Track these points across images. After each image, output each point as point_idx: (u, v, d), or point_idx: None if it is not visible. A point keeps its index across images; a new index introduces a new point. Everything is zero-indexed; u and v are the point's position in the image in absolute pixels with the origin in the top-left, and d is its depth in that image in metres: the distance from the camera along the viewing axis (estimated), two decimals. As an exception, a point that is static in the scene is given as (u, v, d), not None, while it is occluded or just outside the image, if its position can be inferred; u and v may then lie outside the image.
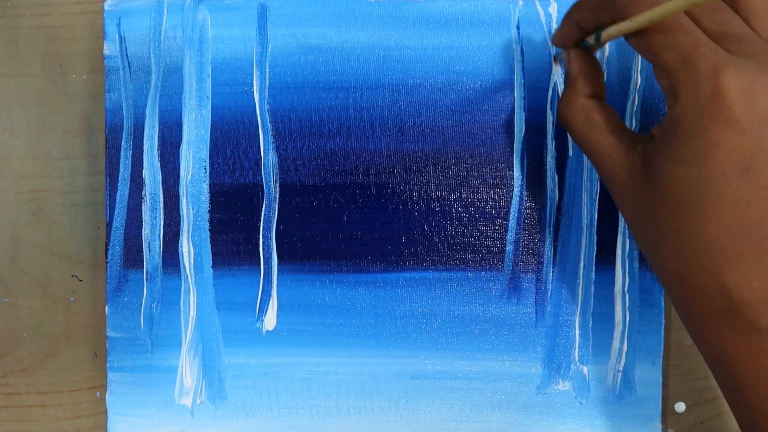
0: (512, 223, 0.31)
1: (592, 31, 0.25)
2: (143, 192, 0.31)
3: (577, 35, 0.26)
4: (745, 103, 0.20)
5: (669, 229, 0.22)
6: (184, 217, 0.31)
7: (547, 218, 0.31)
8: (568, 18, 0.26)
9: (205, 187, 0.32)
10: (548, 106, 0.31)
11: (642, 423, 0.31)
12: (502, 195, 0.31)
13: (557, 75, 0.31)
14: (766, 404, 0.21)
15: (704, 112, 0.20)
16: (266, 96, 0.31)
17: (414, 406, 0.31)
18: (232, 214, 0.31)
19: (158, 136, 0.31)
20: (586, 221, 0.31)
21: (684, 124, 0.21)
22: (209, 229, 0.32)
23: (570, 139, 0.31)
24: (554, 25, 0.31)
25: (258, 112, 0.31)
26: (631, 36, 0.23)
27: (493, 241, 0.31)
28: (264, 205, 0.31)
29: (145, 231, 0.32)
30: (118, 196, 0.31)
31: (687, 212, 0.21)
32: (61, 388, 0.33)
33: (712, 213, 0.20)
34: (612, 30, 0.24)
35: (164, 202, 0.32)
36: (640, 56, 0.31)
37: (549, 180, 0.31)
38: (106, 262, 0.31)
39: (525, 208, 0.31)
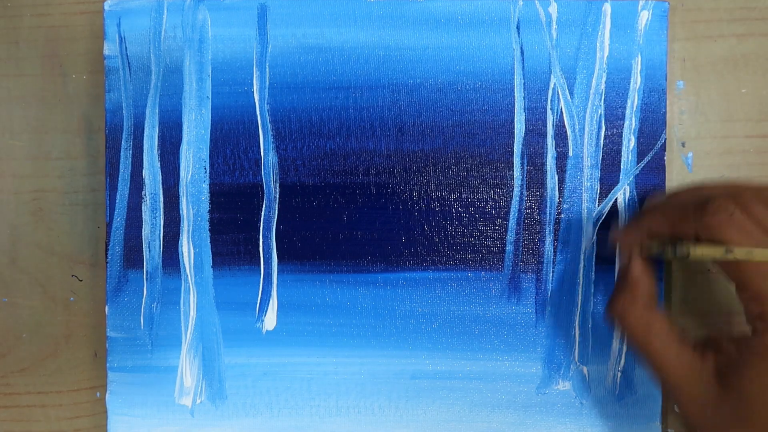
0: (512, 223, 0.31)
1: (665, 240, 0.25)
2: (143, 192, 0.31)
3: (643, 239, 0.26)
4: None
5: (745, 427, 0.23)
6: (184, 217, 0.31)
7: (547, 218, 0.31)
8: (639, 224, 0.26)
9: (205, 187, 0.32)
10: (548, 106, 0.31)
11: (642, 423, 0.31)
12: (502, 195, 0.31)
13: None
14: None
15: None
16: (266, 96, 0.31)
17: (414, 406, 0.31)
18: (232, 214, 0.31)
19: (158, 136, 0.31)
20: (585, 221, 0.31)
21: None
22: (209, 229, 0.32)
23: (570, 138, 0.31)
24: (554, 26, 0.31)
25: (258, 112, 0.31)
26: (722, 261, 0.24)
27: (493, 241, 0.31)
28: (264, 205, 0.31)
29: (145, 231, 0.32)
30: (118, 196, 0.31)
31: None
32: (61, 388, 0.33)
33: None
34: (704, 252, 0.24)
35: (164, 202, 0.32)
36: (640, 56, 0.31)
37: (549, 180, 0.31)
38: (106, 262, 0.31)
39: (525, 208, 0.31)
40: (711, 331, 0.26)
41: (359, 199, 0.31)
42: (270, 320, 0.31)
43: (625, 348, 0.31)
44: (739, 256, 0.23)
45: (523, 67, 0.31)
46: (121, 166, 0.31)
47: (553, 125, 0.31)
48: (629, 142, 0.31)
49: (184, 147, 0.31)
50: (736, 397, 0.23)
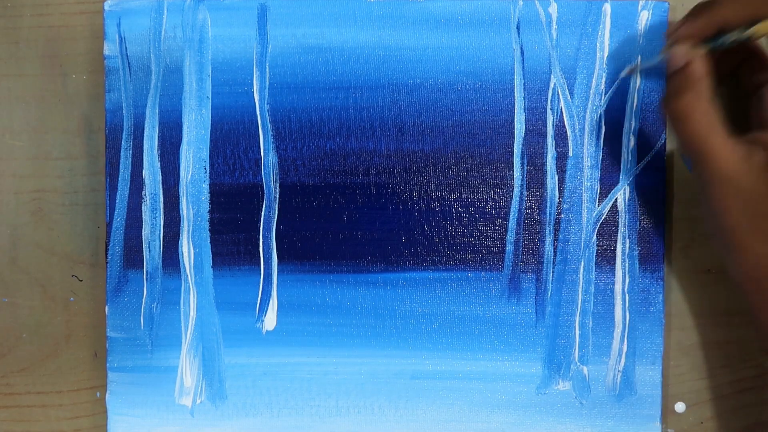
0: (512, 223, 0.31)
1: (728, 29, 0.25)
2: (143, 192, 0.31)
3: (712, 32, 0.26)
4: None
5: None
6: (184, 217, 0.31)
7: (547, 218, 0.31)
8: (711, 15, 0.26)
9: (205, 187, 0.32)
10: (548, 106, 0.31)
11: (642, 423, 0.31)
12: (502, 195, 0.31)
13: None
14: None
15: None
16: (266, 96, 0.31)
17: (414, 406, 0.31)
18: (232, 214, 0.31)
19: (158, 136, 0.31)
20: (585, 221, 0.31)
21: None
22: (209, 229, 0.32)
23: (570, 138, 0.31)
24: (554, 26, 0.31)
25: (258, 112, 0.31)
26: None
27: (493, 241, 0.31)
28: (264, 205, 0.31)
29: (145, 231, 0.32)
30: (118, 196, 0.31)
31: None
32: (61, 388, 0.33)
33: None
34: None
35: (164, 202, 0.32)
36: (640, 57, 0.31)
37: (549, 180, 0.31)
38: (106, 262, 0.31)
39: (525, 208, 0.31)
40: (753, 134, 0.27)
41: (359, 199, 0.31)
42: (270, 320, 0.31)
43: (625, 348, 0.31)
44: None
45: (523, 67, 0.31)
46: (121, 166, 0.31)
47: (553, 125, 0.31)
48: (629, 142, 0.31)
49: (184, 147, 0.31)
50: None
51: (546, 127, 0.31)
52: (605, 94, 0.31)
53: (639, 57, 0.30)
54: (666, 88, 0.28)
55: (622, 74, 0.30)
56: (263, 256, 0.31)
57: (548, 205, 0.31)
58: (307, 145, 0.31)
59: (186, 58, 0.31)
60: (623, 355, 0.31)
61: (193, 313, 0.32)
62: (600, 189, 0.31)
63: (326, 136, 0.31)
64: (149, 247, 0.32)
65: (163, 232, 0.32)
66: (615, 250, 0.31)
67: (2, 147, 0.33)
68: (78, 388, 0.33)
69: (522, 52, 0.31)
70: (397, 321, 0.31)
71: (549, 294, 0.31)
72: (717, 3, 0.26)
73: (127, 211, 0.31)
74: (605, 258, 0.31)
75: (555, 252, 0.31)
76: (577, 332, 0.31)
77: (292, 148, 0.31)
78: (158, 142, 0.31)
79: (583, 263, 0.31)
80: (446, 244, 0.31)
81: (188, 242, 0.31)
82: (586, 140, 0.31)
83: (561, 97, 0.31)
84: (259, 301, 0.31)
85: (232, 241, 0.31)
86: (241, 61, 0.31)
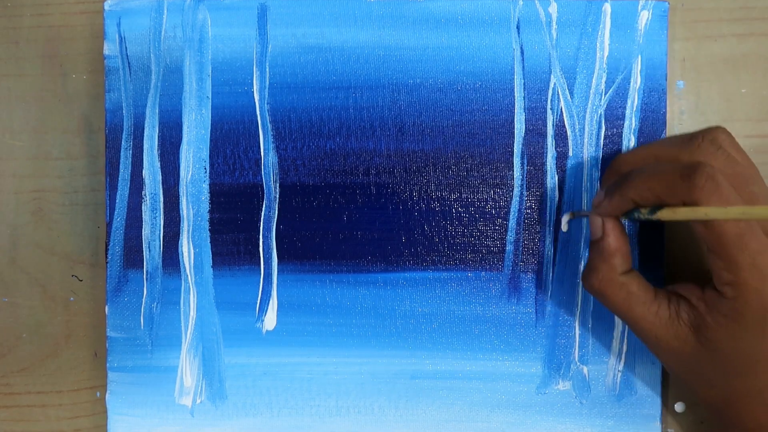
0: (512, 223, 0.31)
1: (648, 205, 0.25)
2: (143, 192, 0.31)
3: (627, 209, 0.26)
4: None
5: (723, 377, 0.26)
6: (184, 217, 0.31)
7: (547, 218, 0.31)
8: (623, 194, 0.26)
9: (205, 187, 0.32)
10: (548, 106, 0.31)
11: (642, 423, 0.31)
12: (502, 195, 0.31)
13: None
14: None
15: (766, 304, 0.24)
16: (266, 96, 0.31)
17: (414, 406, 0.31)
18: (232, 214, 0.31)
19: (158, 136, 0.31)
20: (585, 221, 0.31)
21: (746, 313, 0.24)
22: (209, 229, 0.32)
23: (570, 138, 0.31)
24: (554, 26, 0.31)
25: (258, 112, 0.31)
26: (698, 224, 0.24)
27: (493, 241, 0.31)
28: (264, 205, 0.31)
29: (145, 231, 0.32)
30: (118, 196, 0.31)
31: (744, 368, 0.25)
32: (61, 388, 0.33)
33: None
34: (682, 213, 0.24)
35: (164, 202, 0.32)
36: (640, 57, 0.31)
37: (549, 180, 0.31)
38: (106, 262, 0.31)
39: (525, 208, 0.31)
40: (678, 287, 0.27)
41: (359, 199, 0.31)
42: (270, 320, 0.31)
43: (625, 348, 0.31)
44: (717, 216, 0.23)
45: (523, 67, 0.31)
46: (121, 166, 0.31)
47: (553, 125, 0.31)
48: (629, 142, 0.31)
49: (184, 147, 0.31)
50: (713, 349, 0.25)
51: (546, 127, 0.31)
52: (605, 94, 0.31)
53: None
54: (588, 259, 0.28)
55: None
56: (263, 256, 0.31)
57: (548, 205, 0.31)
58: (307, 145, 0.31)
59: (186, 58, 0.31)
60: (623, 355, 0.31)
61: (193, 313, 0.32)
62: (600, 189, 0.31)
63: (326, 136, 0.31)
64: (149, 247, 0.32)
65: (163, 232, 0.32)
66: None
67: (2, 147, 0.33)
68: (78, 388, 0.33)
69: (522, 52, 0.31)
70: (397, 321, 0.31)
71: (549, 294, 0.31)
72: (627, 183, 0.26)
73: (127, 211, 0.31)
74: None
75: (555, 252, 0.31)
76: (577, 332, 0.31)
77: (292, 148, 0.31)
78: (158, 142, 0.31)
79: (583, 263, 0.31)
80: (446, 244, 0.31)
81: (188, 242, 0.31)
82: (586, 140, 0.31)
83: (561, 97, 0.31)
84: (259, 301, 0.32)
85: (232, 241, 0.31)
86: (241, 61, 0.31)
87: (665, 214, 0.25)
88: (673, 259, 0.32)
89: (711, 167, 0.24)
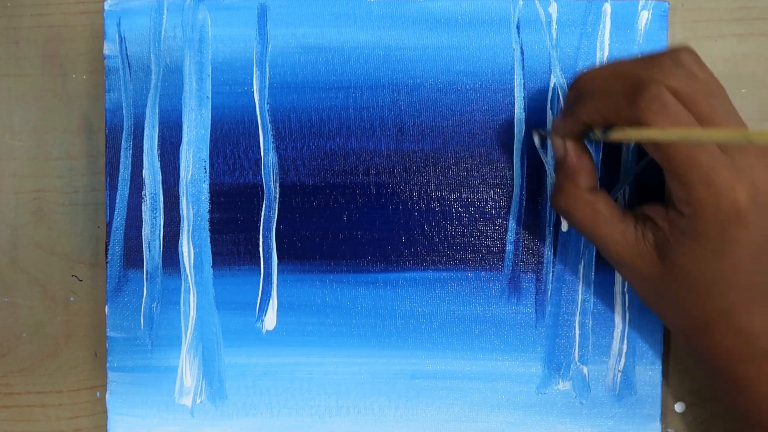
0: (512, 223, 0.31)
1: (599, 126, 0.25)
2: (143, 192, 0.31)
3: (581, 129, 0.26)
4: (752, 203, 0.23)
5: (688, 300, 0.25)
6: (184, 217, 0.32)
7: (547, 218, 0.31)
8: (574, 115, 0.26)
9: (205, 187, 0.32)
10: (548, 106, 0.31)
11: (642, 423, 0.31)
12: (502, 195, 0.31)
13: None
14: None
15: (723, 221, 0.23)
16: (266, 96, 0.31)
17: (414, 406, 0.31)
18: (232, 214, 0.32)
19: (158, 136, 0.31)
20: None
21: (704, 232, 0.24)
22: (209, 229, 0.32)
23: (570, 139, 0.31)
24: (554, 26, 0.31)
25: (258, 112, 0.31)
26: (649, 144, 0.24)
27: (493, 241, 0.31)
28: (264, 205, 0.31)
29: (145, 231, 0.32)
30: (118, 196, 0.31)
31: (706, 290, 0.25)
32: (61, 388, 0.33)
33: (730, 286, 0.24)
34: (629, 134, 0.24)
35: (164, 202, 0.32)
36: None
37: (549, 180, 0.31)
38: (106, 262, 0.31)
39: (525, 208, 0.31)
40: (645, 208, 0.26)
41: (359, 199, 0.31)
42: (270, 320, 0.31)
43: (625, 348, 0.31)
44: (667, 137, 0.23)
45: (523, 67, 0.31)
46: (121, 166, 0.31)
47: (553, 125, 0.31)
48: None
49: (184, 147, 0.31)
50: (676, 270, 0.25)
51: (546, 127, 0.31)
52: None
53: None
54: (554, 180, 0.28)
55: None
56: (263, 256, 0.31)
57: (548, 205, 0.31)
58: (307, 145, 0.31)
59: (186, 58, 0.31)
60: (623, 355, 0.31)
61: (193, 313, 0.32)
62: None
63: (326, 136, 0.31)
64: (149, 247, 0.32)
65: (163, 232, 0.32)
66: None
67: (2, 147, 0.33)
68: (78, 388, 0.33)
69: (522, 52, 0.31)
70: (397, 321, 0.31)
71: (549, 294, 0.31)
72: (578, 104, 0.26)
73: (127, 211, 0.31)
74: (605, 258, 0.31)
75: (555, 252, 0.31)
76: (577, 332, 0.31)
77: (292, 148, 0.31)
78: (158, 142, 0.31)
79: (583, 263, 0.31)
80: (446, 244, 0.31)
81: (188, 242, 0.31)
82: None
83: (561, 97, 0.31)
84: (259, 301, 0.32)
85: (232, 241, 0.31)
86: (241, 61, 0.31)
87: (615, 135, 0.24)
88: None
89: (658, 87, 0.23)
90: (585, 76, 0.26)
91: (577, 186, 0.27)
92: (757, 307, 0.25)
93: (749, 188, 0.23)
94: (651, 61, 0.25)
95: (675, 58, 0.24)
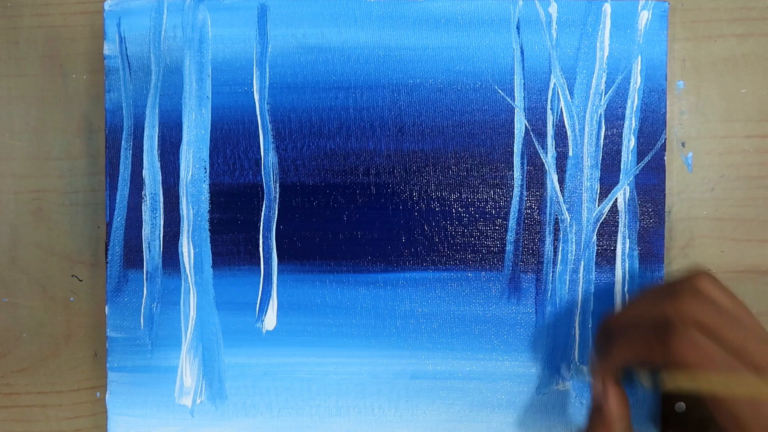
0: (512, 223, 0.31)
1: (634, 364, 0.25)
2: (143, 192, 0.31)
3: (618, 370, 0.26)
4: None
5: None
6: (184, 217, 0.31)
7: (547, 218, 0.31)
8: (610, 357, 0.26)
9: (205, 187, 0.32)
10: (548, 106, 0.31)
11: (642, 423, 0.31)
12: (502, 195, 0.31)
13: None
14: None
15: None
16: (266, 96, 0.31)
17: (414, 406, 0.31)
18: (232, 214, 0.31)
19: (158, 136, 0.31)
20: (585, 221, 0.31)
21: None
22: (209, 229, 0.32)
23: (570, 138, 0.31)
24: (554, 26, 0.31)
25: (258, 112, 0.31)
26: (705, 392, 0.23)
27: (493, 241, 0.31)
28: (264, 205, 0.31)
29: (145, 231, 0.32)
30: (118, 196, 0.31)
31: None
32: (61, 388, 0.33)
33: None
34: (684, 383, 0.23)
35: (164, 202, 0.32)
36: (640, 57, 0.31)
37: (549, 180, 0.31)
38: (106, 262, 0.31)
39: (525, 208, 0.31)
40: None
41: (359, 199, 0.31)
42: (270, 320, 0.31)
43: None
44: (715, 388, 0.23)
45: (523, 67, 0.31)
46: (121, 166, 0.31)
47: (553, 125, 0.31)
48: (629, 142, 0.31)
49: (184, 147, 0.31)
50: None
51: (546, 127, 0.31)
52: (605, 94, 0.31)
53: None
54: (587, 419, 0.27)
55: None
56: (263, 256, 0.31)
57: (548, 205, 0.31)
58: (307, 145, 0.31)
59: (186, 58, 0.31)
60: (623, 355, 0.31)
61: (193, 313, 0.32)
62: (600, 189, 0.31)
63: (326, 136, 0.31)
64: (149, 247, 0.32)
65: (163, 232, 0.32)
66: (615, 250, 0.31)
67: (2, 147, 0.33)
68: (78, 388, 0.33)
69: (522, 52, 0.31)
70: (397, 321, 0.31)
71: (549, 294, 0.31)
72: (611, 347, 0.26)
73: (127, 211, 0.31)
74: (605, 258, 0.31)
75: (555, 252, 0.31)
76: (577, 332, 0.31)
77: (292, 148, 0.31)
78: (158, 142, 0.31)
79: (583, 263, 0.31)
80: (446, 244, 0.31)
81: (188, 242, 0.31)
82: (586, 140, 0.31)
83: (561, 97, 0.31)
84: (259, 301, 0.31)
85: (232, 241, 0.31)
86: (241, 61, 0.31)
87: (669, 386, 0.24)
88: (673, 258, 0.32)
89: (685, 327, 0.23)
90: (612, 320, 0.27)
91: None
92: None
93: None
94: (673, 296, 0.25)
95: (695, 290, 0.24)
